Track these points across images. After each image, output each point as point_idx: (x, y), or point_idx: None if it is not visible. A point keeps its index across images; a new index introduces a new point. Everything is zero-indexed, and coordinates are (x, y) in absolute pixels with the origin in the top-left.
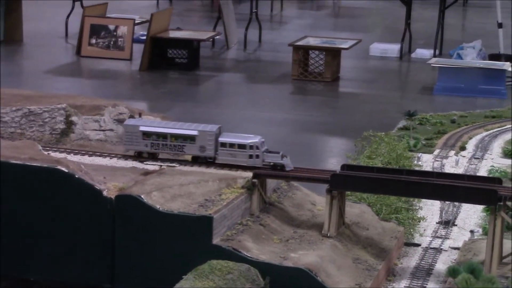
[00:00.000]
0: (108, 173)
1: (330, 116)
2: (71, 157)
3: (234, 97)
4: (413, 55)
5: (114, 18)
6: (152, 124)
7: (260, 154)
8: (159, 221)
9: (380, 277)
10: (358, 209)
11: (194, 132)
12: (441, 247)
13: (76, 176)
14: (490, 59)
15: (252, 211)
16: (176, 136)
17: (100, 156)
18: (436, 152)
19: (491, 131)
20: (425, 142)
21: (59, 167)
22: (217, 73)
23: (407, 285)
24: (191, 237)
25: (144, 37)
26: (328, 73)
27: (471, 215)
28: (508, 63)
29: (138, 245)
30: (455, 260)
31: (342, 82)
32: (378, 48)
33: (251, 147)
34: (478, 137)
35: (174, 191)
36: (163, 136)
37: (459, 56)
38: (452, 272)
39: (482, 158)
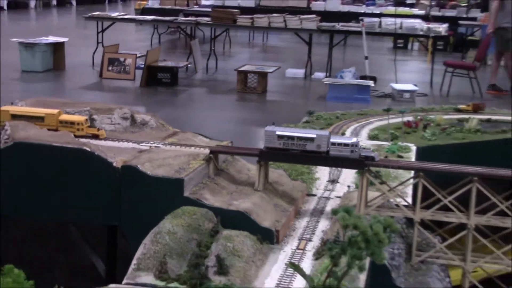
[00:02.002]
0: (116, 151)
1: (261, 115)
2: (93, 142)
3: (200, 103)
4: (313, 76)
5: (123, 53)
6: (284, 130)
7: (358, 150)
8: (149, 182)
9: (291, 216)
10: (277, 173)
11: (313, 135)
12: (329, 196)
13: (96, 153)
14: (360, 79)
15: (209, 175)
16: (300, 138)
17: (111, 140)
18: None
19: (361, 123)
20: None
21: (84, 147)
22: (189, 88)
23: (308, 220)
24: (170, 192)
25: (143, 65)
26: (259, 88)
27: (348, 175)
28: (371, 81)
29: (136, 197)
30: (337, 204)
31: (269, 94)
32: (290, 72)
33: (351, 145)
34: (352, 127)
35: (159, 162)
36: (292, 138)
37: (341, 77)
38: (334, 212)
39: None
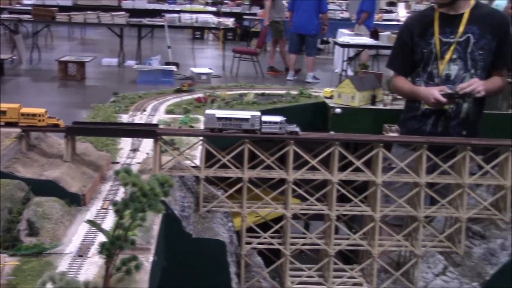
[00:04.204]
0: None
1: (80, 98)
2: None
3: (25, 90)
4: (125, 64)
5: None
6: (223, 112)
7: (284, 126)
8: None
9: (97, 181)
10: (84, 145)
11: (248, 116)
12: (131, 163)
13: None
14: (165, 65)
15: (22, 150)
16: (237, 119)
17: None
18: (130, 113)
19: (159, 100)
20: (125, 107)
21: None
22: (15, 78)
23: (112, 184)
24: None
25: None
26: (78, 76)
27: (148, 145)
28: (174, 66)
29: None
30: (137, 169)
31: (87, 80)
32: (106, 61)
33: (280, 122)
34: (152, 104)
35: None
36: (230, 119)
37: (149, 64)
38: (116, 173)
39: (155, 115)
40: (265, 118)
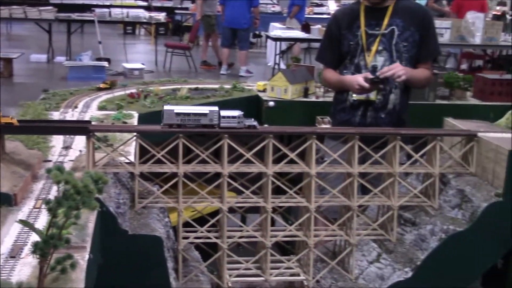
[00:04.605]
0: None
1: (8, 96)
2: None
3: None
4: (55, 60)
5: None
6: (181, 108)
7: (243, 120)
8: None
9: (28, 180)
10: (13, 144)
11: (206, 111)
12: (63, 161)
13: None
14: (96, 61)
15: None
16: (195, 114)
17: None
18: (61, 110)
19: (91, 97)
20: (55, 104)
21: None
22: None
23: (44, 182)
24: None
25: None
26: (6, 72)
27: (80, 142)
28: (106, 62)
29: None
30: (70, 167)
31: (15, 77)
32: (34, 57)
33: (238, 117)
34: (84, 100)
35: None
36: (188, 114)
37: (80, 59)
38: (48, 171)
39: (87, 112)
40: (224, 112)
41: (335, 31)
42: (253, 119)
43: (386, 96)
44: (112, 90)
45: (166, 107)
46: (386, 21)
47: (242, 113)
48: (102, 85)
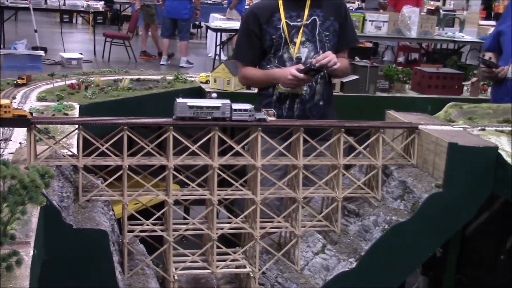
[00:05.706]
0: None
1: None
2: None
3: None
4: None
5: None
6: (193, 101)
7: (254, 113)
8: None
9: None
10: None
11: (219, 104)
12: (3, 154)
13: None
14: (32, 50)
15: None
16: (208, 107)
17: None
18: None
19: (30, 87)
20: None
21: None
22: None
23: None
24: None
25: None
26: None
27: (20, 134)
28: (42, 51)
29: None
30: (10, 160)
31: None
32: None
33: (249, 110)
34: (23, 91)
35: None
36: (201, 107)
37: (15, 48)
38: None
39: (26, 103)
40: (236, 106)
41: (254, 28)
42: (262, 113)
43: (313, 88)
44: (27, 85)
45: (179, 100)
46: (306, 12)
47: (253, 106)
48: (19, 81)
